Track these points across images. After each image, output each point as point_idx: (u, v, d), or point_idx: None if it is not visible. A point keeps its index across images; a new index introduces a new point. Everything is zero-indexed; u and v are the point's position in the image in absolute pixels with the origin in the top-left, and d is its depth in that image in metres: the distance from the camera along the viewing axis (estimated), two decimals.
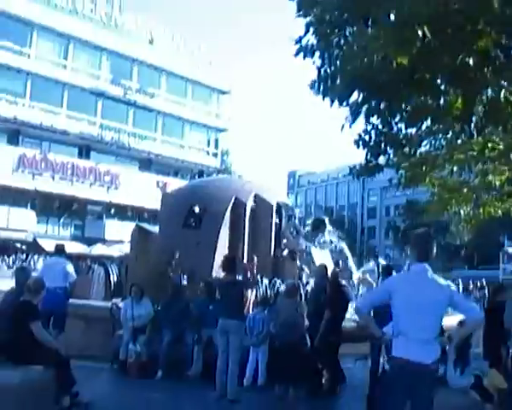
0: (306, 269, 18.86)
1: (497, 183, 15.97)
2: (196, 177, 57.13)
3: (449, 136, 13.34)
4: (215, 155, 66.93)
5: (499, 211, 16.68)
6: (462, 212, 16.65)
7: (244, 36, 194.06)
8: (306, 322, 10.88)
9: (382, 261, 21.94)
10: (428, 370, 5.75)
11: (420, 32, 8.56)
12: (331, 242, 21.51)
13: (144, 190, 54.50)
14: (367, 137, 12.16)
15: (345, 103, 11.07)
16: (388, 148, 12.28)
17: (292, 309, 10.77)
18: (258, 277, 17.45)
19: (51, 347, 8.95)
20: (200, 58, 63.54)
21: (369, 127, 12.05)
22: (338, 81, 10.41)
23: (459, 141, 13.60)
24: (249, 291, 14.23)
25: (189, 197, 20.81)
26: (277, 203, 20.64)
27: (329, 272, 12.35)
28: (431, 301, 5.83)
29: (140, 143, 58.48)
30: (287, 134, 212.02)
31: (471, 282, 36.82)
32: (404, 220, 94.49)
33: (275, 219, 20.15)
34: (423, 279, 5.95)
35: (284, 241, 19.86)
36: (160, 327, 13.39)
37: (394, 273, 10.88)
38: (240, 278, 11.28)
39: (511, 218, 17.87)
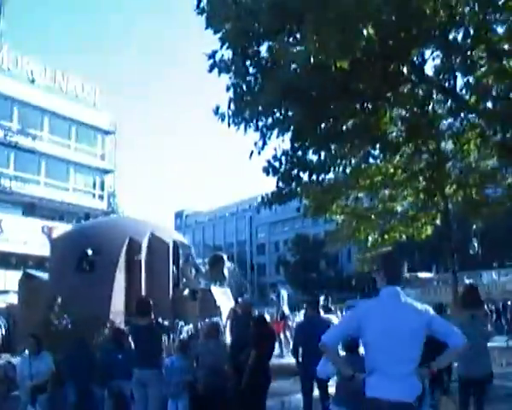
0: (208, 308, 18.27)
1: (399, 208, 16.15)
2: (82, 220, 55.35)
3: (358, 158, 13.25)
4: (101, 197, 65.20)
5: (403, 236, 16.76)
6: (369, 238, 16.59)
7: (132, 69, 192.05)
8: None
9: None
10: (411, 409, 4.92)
11: (365, 32, 8.32)
12: (231, 278, 21.13)
13: (29, 236, 52.21)
14: (277, 164, 11.89)
15: (253, 127, 10.81)
16: (300, 173, 12.04)
17: (215, 351, 10.10)
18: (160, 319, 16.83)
19: None
20: (84, 98, 62.15)
21: (279, 153, 11.80)
22: (258, 96, 10.06)
23: (365, 166, 13.63)
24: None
25: (80, 240, 19.90)
26: (174, 242, 20.08)
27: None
28: (408, 329, 5.00)
29: (23, 187, 56.16)
30: (174, 173, 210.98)
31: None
32: (294, 255, 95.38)
33: (172, 259, 19.55)
34: (397, 305, 5.15)
35: (184, 280, 19.27)
36: (63, 383, 11.81)
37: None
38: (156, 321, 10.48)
39: (413, 243, 18.02)
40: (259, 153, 11.73)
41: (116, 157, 66.83)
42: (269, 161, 12.26)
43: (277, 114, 11.24)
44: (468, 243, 49.03)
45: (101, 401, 11.47)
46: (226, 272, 21.32)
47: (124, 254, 18.83)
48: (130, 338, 10.90)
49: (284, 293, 18.34)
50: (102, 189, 65.51)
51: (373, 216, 16.32)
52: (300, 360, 10.52)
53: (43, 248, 49.22)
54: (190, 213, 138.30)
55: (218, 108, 11.62)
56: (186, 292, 18.80)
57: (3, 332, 18.97)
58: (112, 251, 18.88)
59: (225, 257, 22.41)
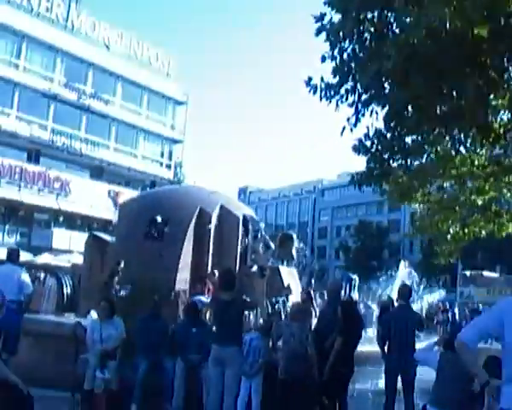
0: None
1: (480, 202, 15.30)
2: (148, 188, 55.52)
3: (450, 144, 12.44)
4: (168, 166, 65.38)
5: (483, 231, 15.89)
6: (451, 230, 15.76)
7: (206, 47, 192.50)
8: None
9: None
10: None
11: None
12: (302, 259, 20.49)
13: (95, 199, 52.70)
14: (368, 143, 11.24)
15: (349, 101, 10.21)
16: (392, 155, 11.33)
17: (300, 336, 9.33)
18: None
19: (8, 381, 5.95)
20: (158, 67, 62.25)
21: (372, 132, 11.14)
22: (371, 63, 9.39)
23: (455, 153, 12.86)
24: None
25: (150, 207, 19.43)
26: (244, 216, 19.51)
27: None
28: None
29: (92, 151, 56.61)
30: (244, 149, 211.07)
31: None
32: (356, 241, 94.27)
33: (241, 233, 19.02)
34: None
35: (253, 256, 18.69)
36: (134, 352, 11.52)
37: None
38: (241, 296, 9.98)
39: (491, 240, 17.09)
40: (352, 130, 11.17)
41: (186, 128, 66.87)
42: (360, 140, 11.64)
43: (376, 90, 10.56)
44: None
45: (172, 374, 11.18)
46: (295, 252, 20.66)
47: (193, 225, 18.35)
48: (207, 313, 10.54)
49: (356, 278, 17.40)
50: (170, 158, 65.73)
51: (457, 208, 15.44)
52: (386, 352, 9.96)
53: (108, 212, 49.86)
54: (254, 190, 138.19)
55: (310, 80, 11.07)
56: (254, 268, 18.22)
57: (68, 291, 18.79)
58: (182, 220, 18.38)
59: (295, 236, 21.76)
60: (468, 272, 49.42)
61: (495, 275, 50.39)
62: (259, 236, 19.76)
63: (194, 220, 18.36)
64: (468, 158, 13.73)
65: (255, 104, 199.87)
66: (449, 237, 15.81)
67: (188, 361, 10.90)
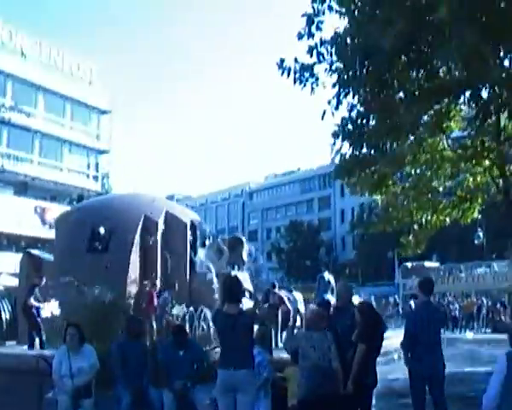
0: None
1: (441, 188, 15.06)
2: (75, 202, 53.71)
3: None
4: (95, 177, 63.56)
5: (447, 219, 15.53)
6: (423, 219, 15.31)
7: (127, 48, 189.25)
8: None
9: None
10: None
11: None
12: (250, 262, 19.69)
13: (21, 216, 50.58)
14: (350, 127, 10.67)
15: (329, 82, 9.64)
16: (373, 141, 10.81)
17: (322, 347, 7.88)
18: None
19: None
20: (79, 76, 60.44)
21: (354, 113, 10.61)
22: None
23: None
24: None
25: (90, 218, 18.34)
26: (191, 221, 18.64)
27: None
28: None
29: (15, 166, 54.41)
30: (168, 157, 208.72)
31: (373, 299, 35.90)
32: (288, 242, 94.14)
33: (189, 239, 18.14)
34: None
35: (208, 264, 17.81)
36: (113, 384, 9.78)
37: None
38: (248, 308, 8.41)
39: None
40: (333, 114, 10.62)
41: (113, 137, 65.32)
42: (341, 123, 11.02)
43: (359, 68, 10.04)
44: (472, 233, 47.99)
45: (159, 407, 9.61)
46: (245, 255, 19.87)
47: (139, 234, 17.38)
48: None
49: (330, 277, 16.27)
50: (97, 170, 63.92)
51: (429, 195, 15.03)
52: (410, 354, 8.95)
53: (35, 229, 47.94)
54: (181, 198, 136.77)
55: (282, 62, 10.53)
56: (209, 276, 17.35)
57: (7, 317, 17.49)
58: (126, 230, 17.43)
59: (244, 239, 20.97)
60: (409, 264, 49.72)
61: (436, 264, 50.88)
62: (209, 241, 18.93)
63: (139, 229, 17.39)
64: (438, 143, 13.54)
65: (183, 110, 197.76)
66: (416, 226, 15.44)
67: (177, 390, 9.34)
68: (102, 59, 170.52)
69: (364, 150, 11.77)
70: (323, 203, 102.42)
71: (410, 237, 16.09)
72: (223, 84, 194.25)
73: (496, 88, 10.87)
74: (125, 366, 9.47)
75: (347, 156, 12.09)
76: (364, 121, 11.18)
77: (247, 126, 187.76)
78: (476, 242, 48.21)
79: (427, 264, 49.55)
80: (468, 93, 11.63)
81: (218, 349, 9.01)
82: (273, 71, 13.16)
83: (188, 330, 11.52)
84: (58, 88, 57.30)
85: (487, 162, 14.14)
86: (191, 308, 15.84)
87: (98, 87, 62.33)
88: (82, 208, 21.29)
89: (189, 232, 18.09)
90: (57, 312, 15.22)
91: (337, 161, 13.17)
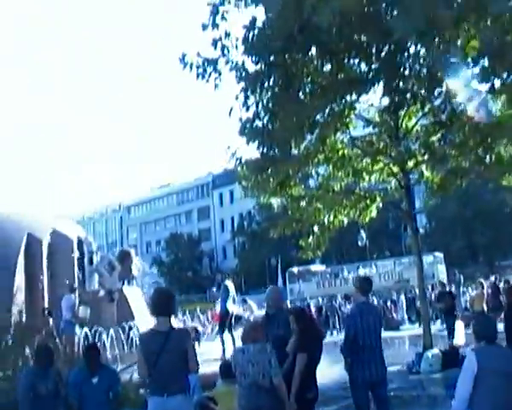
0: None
1: (337, 188, 15.31)
2: None
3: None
4: None
5: (345, 220, 15.74)
6: (325, 220, 15.38)
7: None
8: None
9: None
10: None
11: None
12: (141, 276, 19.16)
13: None
14: (259, 123, 10.59)
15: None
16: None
17: (262, 361, 6.80)
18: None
19: None
20: None
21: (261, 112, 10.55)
22: None
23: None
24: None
25: None
26: (78, 238, 17.95)
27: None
28: None
29: None
30: (36, 174, 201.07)
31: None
32: (169, 254, 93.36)
33: (77, 256, 17.46)
34: None
35: (98, 279, 17.16)
36: None
37: None
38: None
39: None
40: (241, 109, 10.47)
41: None
42: (248, 121, 10.90)
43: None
44: (350, 234, 49.09)
45: None
46: (135, 269, 19.32)
47: (22, 253, 16.50)
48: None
49: (230, 285, 15.82)
50: None
51: (331, 195, 15.16)
52: (350, 360, 8.08)
53: None
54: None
55: (184, 56, 10.30)
56: (101, 293, 16.72)
57: None
58: (8, 252, 16.48)
59: (133, 252, 20.39)
60: (295, 269, 49.93)
61: (322, 268, 51.43)
62: (97, 257, 18.28)
63: (22, 248, 16.54)
64: (337, 142, 13.81)
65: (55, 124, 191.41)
66: (316, 228, 15.51)
67: None
68: None
69: (270, 152, 11.68)
70: (202, 214, 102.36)
71: (310, 240, 16.09)
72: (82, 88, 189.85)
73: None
74: (36, 402, 7.60)
75: (251, 157, 12.02)
76: (271, 119, 11.12)
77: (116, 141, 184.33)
78: (360, 243, 49.33)
79: (313, 267, 50.04)
80: (381, 84, 12.02)
81: (130, 369, 8.52)
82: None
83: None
84: None
85: (386, 161, 14.60)
86: (85, 329, 14.96)
87: None
88: None
89: (75, 249, 17.40)
90: None
91: (232, 164, 13.14)
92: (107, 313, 16.10)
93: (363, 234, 47.83)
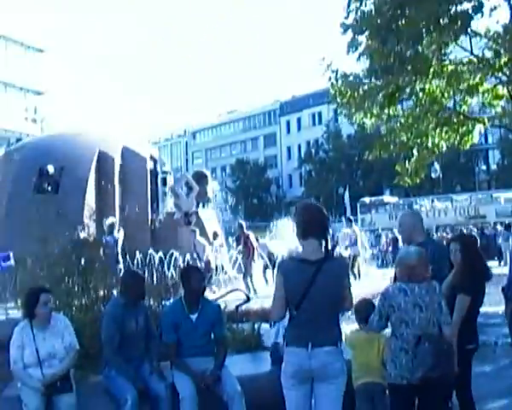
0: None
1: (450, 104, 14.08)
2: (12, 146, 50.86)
3: None
4: (34, 120, 60.57)
5: (443, 145, 14.34)
6: (429, 143, 14.03)
7: None
8: None
9: None
10: None
11: None
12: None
13: None
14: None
15: None
16: None
17: (432, 305, 5.16)
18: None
19: None
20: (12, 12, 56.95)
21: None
22: None
23: None
24: None
25: (38, 156, 16.37)
26: (151, 156, 16.87)
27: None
28: None
29: None
30: (105, 98, 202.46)
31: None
32: (235, 181, 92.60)
33: (150, 176, 16.42)
34: None
35: (174, 200, 16.07)
36: (98, 368, 6.52)
37: None
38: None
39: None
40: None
41: (53, 78, 62.17)
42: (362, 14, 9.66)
43: None
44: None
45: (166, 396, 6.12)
46: (211, 192, 18.15)
47: (93, 172, 15.55)
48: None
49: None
50: (35, 112, 60.83)
51: (429, 116, 13.79)
52: None
53: None
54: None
55: None
56: (177, 215, 15.66)
57: None
58: (79, 168, 15.58)
59: (209, 174, 19.26)
60: (367, 199, 48.57)
61: (395, 199, 49.88)
62: (183, 175, 17.15)
63: (93, 166, 15.57)
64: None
65: (122, 47, 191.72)
66: (415, 151, 14.11)
67: (201, 380, 6.05)
68: None
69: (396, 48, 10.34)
70: (269, 141, 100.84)
71: (407, 165, 14.73)
72: (163, 19, 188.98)
73: None
74: (124, 343, 6.33)
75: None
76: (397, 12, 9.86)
77: (188, 69, 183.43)
78: (433, 175, 47.09)
79: (386, 198, 48.52)
80: None
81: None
82: None
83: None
84: None
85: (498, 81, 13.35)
86: (150, 251, 13.73)
87: (33, 25, 58.96)
88: (26, 146, 19.07)
89: (149, 168, 16.34)
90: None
91: (327, 77, 11.89)
92: (183, 237, 15.02)
93: (436, 166, 45.22)
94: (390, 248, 35.77)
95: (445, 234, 36.05)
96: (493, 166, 67.28)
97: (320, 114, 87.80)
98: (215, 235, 15.98)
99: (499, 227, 35.53)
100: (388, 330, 5.35)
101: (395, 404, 5.30)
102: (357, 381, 5.86)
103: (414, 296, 5.11)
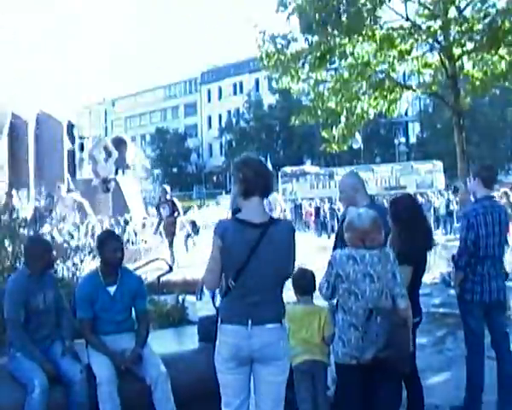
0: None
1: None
2: None
3: None
4: None
5: (370, 112, 14.37)
6: (353, 110, 13.95)
7: None
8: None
9: None
10: None
11: None
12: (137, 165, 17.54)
13: None
14: None
15: None
16: None
17: (385, 273, 4.67)
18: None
19: None
20: None
21: None
22: None
23: None
24: None
25: None
26: (68, 121, 16.24)
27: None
28: None
29: None
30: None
31: None
32: (154, 149, 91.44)
33: (66, 140, 15.81)
34: None
35: (92, 166, 15.53)
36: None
37: None
38: None
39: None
40: None
41: None
42: None
43: None
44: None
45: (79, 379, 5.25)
46: (131, 158, 17.51)
47: (6, 135, 14.86)
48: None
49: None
50: None
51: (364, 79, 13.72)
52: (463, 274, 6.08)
53: None
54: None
55: None
56: (95, 182, 15.10)
57: None
58: None
59: (129, 140, 18.64)
60: (288, 168, 48.45)
61: (316, 169, 50.09)
62: (102, 140, 16.59)
63: (6, 129, 14.88)
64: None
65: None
66: (343, 118, 13.98)
67: (121, 361, 5.35)
68: None
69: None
70: (189, 110, 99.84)
71: (334, 131, 14.60)
72: None
73: None
74: (31, 320, 5.44)
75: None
76: None
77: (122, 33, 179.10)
78: (354, 146, 47.33)
79: (307, 168, 48.66)
80: None
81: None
82: None
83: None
84: None
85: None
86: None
87: None
88: None
89: (65, 133, 15.72)
90: None
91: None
92: (101, 204, 14.45)
93: (358, 137, 45.39)
94: (313, 218, 36.18)
95: None
96: (413, 139, 68.81)
97: (241, 84, 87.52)
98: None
99: (420, 198, 36.24)
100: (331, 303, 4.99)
101: (343, 386, 4.87)
102: (296, 359, 5.18)
103: (364, 265, 4.61)
